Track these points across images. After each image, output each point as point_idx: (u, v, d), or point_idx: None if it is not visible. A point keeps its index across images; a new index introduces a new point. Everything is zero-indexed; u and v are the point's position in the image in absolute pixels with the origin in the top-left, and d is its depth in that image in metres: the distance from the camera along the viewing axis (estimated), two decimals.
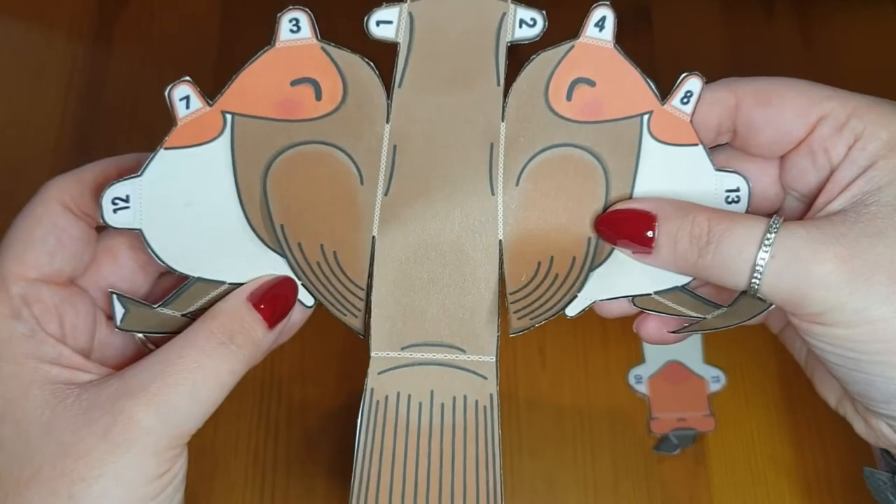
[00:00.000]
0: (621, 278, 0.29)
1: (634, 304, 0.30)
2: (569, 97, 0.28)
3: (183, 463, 0.26)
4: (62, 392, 0.25)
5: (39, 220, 0.27)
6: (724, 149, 0.30)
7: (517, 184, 0.29)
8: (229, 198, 0.28)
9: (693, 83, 0.28)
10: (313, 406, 0.42)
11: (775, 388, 0.42)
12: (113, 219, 0.27)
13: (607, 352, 0.44)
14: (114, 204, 0.27)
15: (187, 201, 0.28)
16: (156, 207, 0.27)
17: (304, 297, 0.29)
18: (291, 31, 0.27)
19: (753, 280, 0.26)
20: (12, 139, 0.47)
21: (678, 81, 0.28)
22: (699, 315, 0.30)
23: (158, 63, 0.49)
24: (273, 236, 0.28)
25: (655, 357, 0.43)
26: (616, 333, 0.44)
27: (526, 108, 0.28)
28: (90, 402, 0.25)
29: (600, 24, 0.27)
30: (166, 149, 0.27)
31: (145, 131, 0.47)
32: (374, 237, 0.29)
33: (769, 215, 0.27)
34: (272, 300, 0.28)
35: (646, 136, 0.28)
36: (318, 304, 0.29)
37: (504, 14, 0.27)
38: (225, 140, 0.28)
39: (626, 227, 0.28)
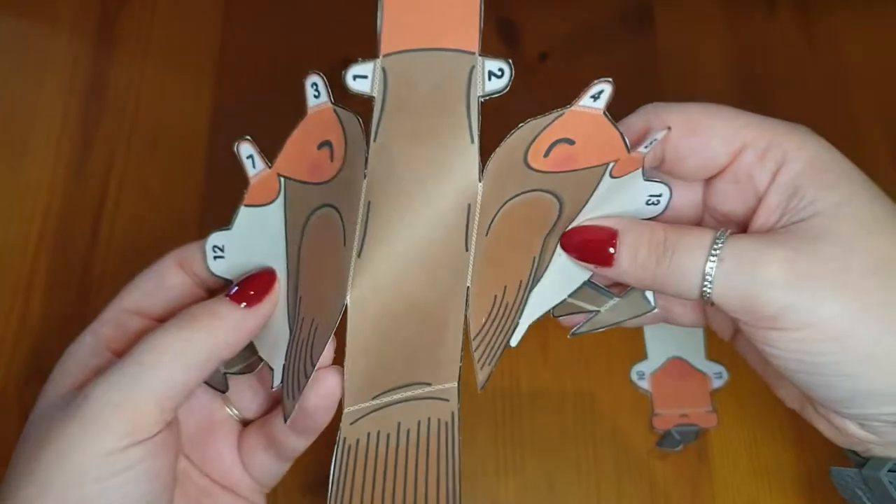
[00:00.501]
0: (547, 292, 0.31)
1: (554, 316, 0.32)
2: (546, 154, 0.28)
3: (145, 453, 0.26)
4: (70, 390, 0.27)
5: (152, 269, 0.30)
6: (650, 172, 0.31)
7: (487, 234, 0.29)
8: (280, 264, 0.30)
9: (659, 134, 0.29)
10: None
11: None
12: (213, 265, 0.30)
13: (609, 348, 0.44)
14: (214, 252, 0.30)
15: (258, 264, 0.30)
16: (240, 263, 0.30)
17: (277, 377, 0.30)
18: (315, 96, 0.27)
19: (705, 286, 0.27)
20: (15, 136, 0.47)
21: (649, 136, 0.29)
22: (595, 308, 0.32)
23: (161, 61, 0.49)
24: (294, 310, 0.29)
25: (658, 353, 0.44)
26: (618, 329, 0.44)
27: (504, 168, 0.28)
28: (73, 393, 0.26)
29: (596, 97, 0.27)
30: (245, 205, 0.29)
31: (147, 130, 0.47)
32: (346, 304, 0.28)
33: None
34: (243, 285, 0.29)
35: (606, 178, 0.29)
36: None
37: (473, 67, 0.26)
38: (280, 202, 0.29)
39: (589, 245, 0.30)
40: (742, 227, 0.30)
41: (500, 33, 0.49)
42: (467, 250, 0.28)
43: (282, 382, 0.29)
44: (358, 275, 0.28)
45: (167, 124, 0.47)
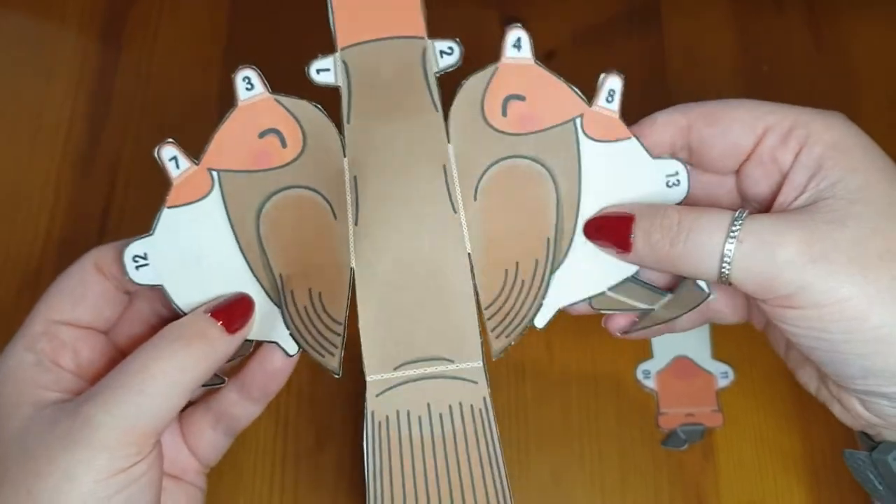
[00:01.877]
0: (578, 280, 0.31)
1: (592, 307, 0.32)
2: (504, 113, 0.30)
3: (147, 467, 0.27)
4: (43, 407, 0.28)
5: (71, 276, 0.31)
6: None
7: (475, 198, 0.31)
8: (233, 251, 0.30)
9: (614, 82, 0.30)
10: (322, 398, 0.43)
11: (784, 384, 0.42)
12: (136, 275, 0.30)
13: (615, 346, 0.44)
14: (135, 262, 0.30)
15: (198, 257, 0.30)
16: (172, 264, 0.30)
17: (289, 345, 0.31)
18: (247, 89, 0.30)
19: (723, 266, 0.27)
20: (23, 131, 0.47)
21: (599, 82, 0.30)
22: (649, 306, 0.31)
23: (168, 56, 0.49)
24: (273, 285, 0.30)
25: (663, 352, 0.44)
26: None
27: (467, 128, 0.30)
28: (61, 411, 0.27)
29: (517, 45, 0.30)
30: (169, 207, 0.30)
31: (154, 127, 0.48)
32: (352, 268, 0.30)
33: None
34: (227, 309, 0.30)
35: (581, 137, 0.31)
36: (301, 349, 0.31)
37: (424, 49, 0.30)
38: (216, 196, 0.30)
39: (610, 230, 0.30)
40: (769, 208, 0.30)
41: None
42: (456, 212, 0.30)
43: (303, 348, 0.31)
44: (358, 242, 0.30)
45: (174, 120, 0.48)
